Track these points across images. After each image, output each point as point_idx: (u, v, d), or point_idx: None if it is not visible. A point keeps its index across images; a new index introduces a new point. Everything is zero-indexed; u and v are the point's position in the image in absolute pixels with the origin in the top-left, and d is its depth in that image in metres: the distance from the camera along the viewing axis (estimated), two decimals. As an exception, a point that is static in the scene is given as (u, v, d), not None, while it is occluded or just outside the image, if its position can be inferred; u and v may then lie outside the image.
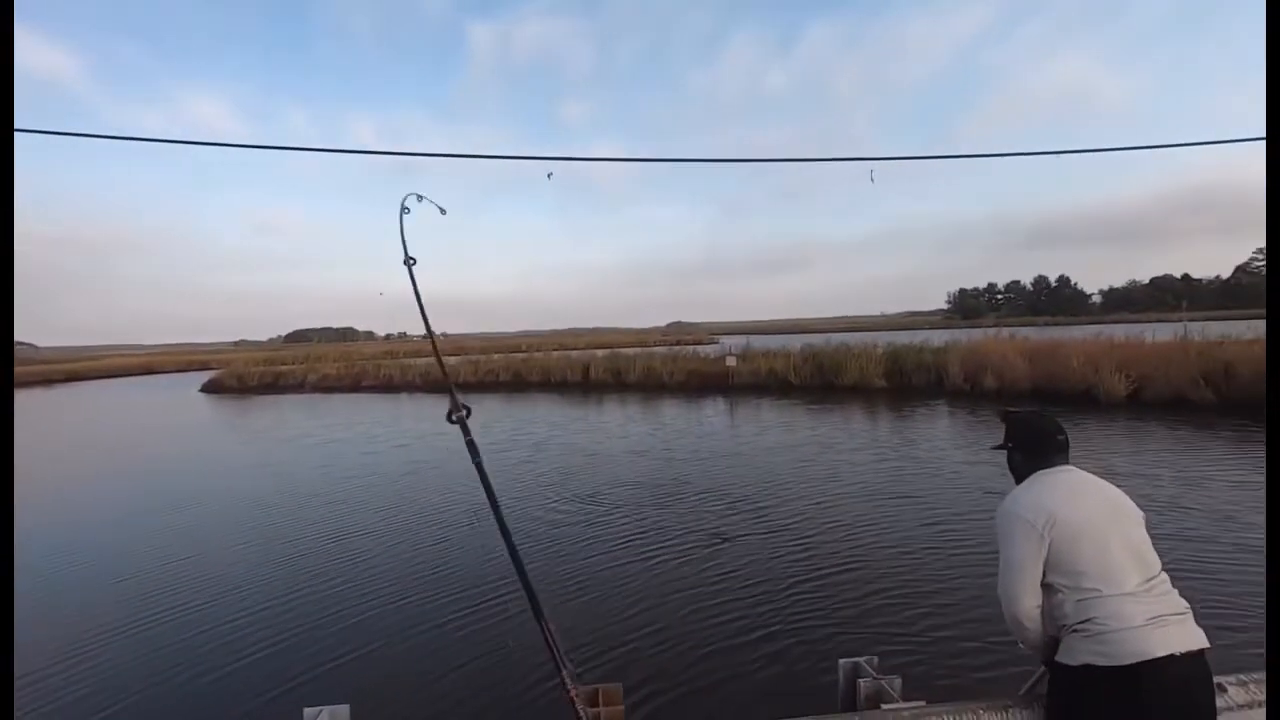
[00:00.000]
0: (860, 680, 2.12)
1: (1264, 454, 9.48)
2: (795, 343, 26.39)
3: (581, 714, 1.90)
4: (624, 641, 4.59)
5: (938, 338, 24.24)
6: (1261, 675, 2.05)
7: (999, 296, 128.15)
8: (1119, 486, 2.02)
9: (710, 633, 4.67)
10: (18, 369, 52.06)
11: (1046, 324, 63.07)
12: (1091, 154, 4.02)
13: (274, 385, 31.35)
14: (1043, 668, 2.02)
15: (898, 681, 2.10)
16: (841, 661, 2.20)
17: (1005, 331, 22.97)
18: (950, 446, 11.16)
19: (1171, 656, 1.71)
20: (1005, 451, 2.17)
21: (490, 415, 18.29)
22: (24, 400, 31.04)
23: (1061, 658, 1.86)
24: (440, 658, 4.50)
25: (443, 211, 2.51)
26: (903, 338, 25.89)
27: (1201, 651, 1.77)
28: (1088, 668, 1.77)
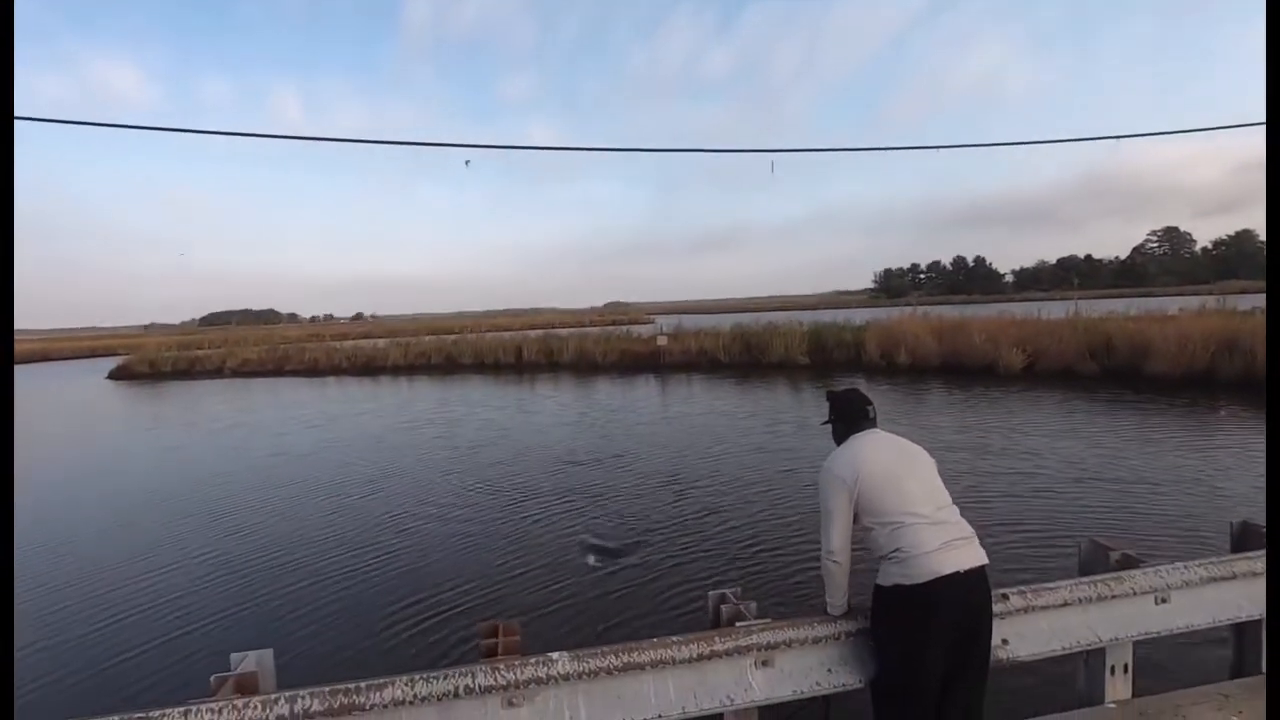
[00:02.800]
0: (723, 606, 2.50)
1: (1109, 416, 10.61)
2: (727, 322, 27.14)
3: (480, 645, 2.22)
4: (503, 582, 5.26)
5: (862, 316, 25.48)
6: (1035, 586, 2.54)
7: (921, 276, 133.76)
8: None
9: (590, 575, 5.31)
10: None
11: (963, 302, 66.47)
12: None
13: (190, 371, 29.95)
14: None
15: (753, 605, 2.49)
16: (711, 592, 2.58)
17: (919, 310, 24.29)
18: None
19: (957, 573, 2.14)
20: (831, 424, 2.57)
21: (411, 396, 18.27)
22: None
23: (879, 580, 2.27)
24: (357, 607, 4.91)
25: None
26: (830, 316, 27.02)
27: (982, 567, 2.21)
28: (896, 587, 2.19)
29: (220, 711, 1.96)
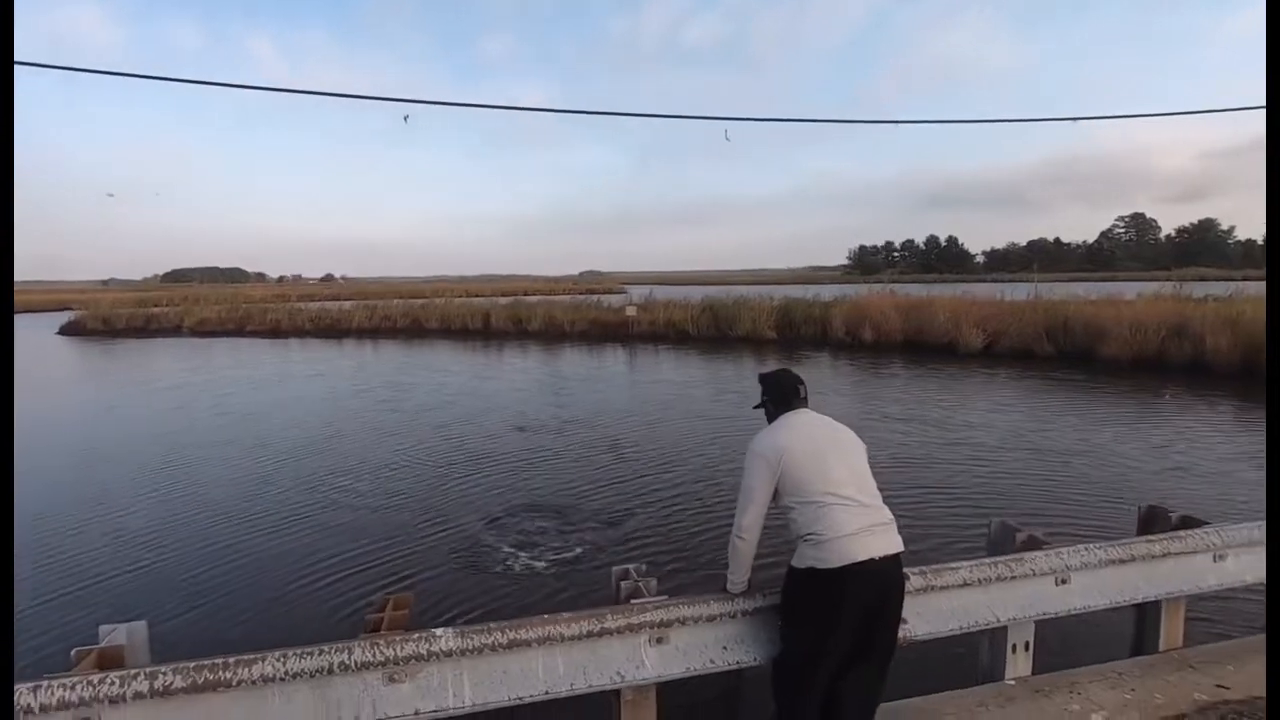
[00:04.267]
0: (623, 582, 2.46)
1: (1054, 396, 10.84)
2: (699, 295, 27.06)
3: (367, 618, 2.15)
4: (413, 548, 5.28)
5: (833, 293, 25.63)
6: (936, 567, 2.54)
7: (896, 254, 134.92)
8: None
9: (501, 544, 5.31)
10: None
11: (934, 281, 67.30)
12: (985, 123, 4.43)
13: (145, 329, 29.11)
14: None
15: (653, 583, 2.46)
16: (614, 568, 2.54)
17: (887, 288, 24.48)
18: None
19: (871, 559, 2.10)
20: (763, 405, 2.52)
21: (369, 359, 18.01)
22: None
23: (794, 562, 2.23)
24: (239, 578, 4.82)
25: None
26: (802, 292, 27.09)
27: (896, 555, 2.18)
28: (811, 570, 2.15)
29: (73, 688, 1.87)
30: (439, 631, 2.13)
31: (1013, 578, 2.57)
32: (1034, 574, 2.60)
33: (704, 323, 22.51)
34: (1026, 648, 2.81)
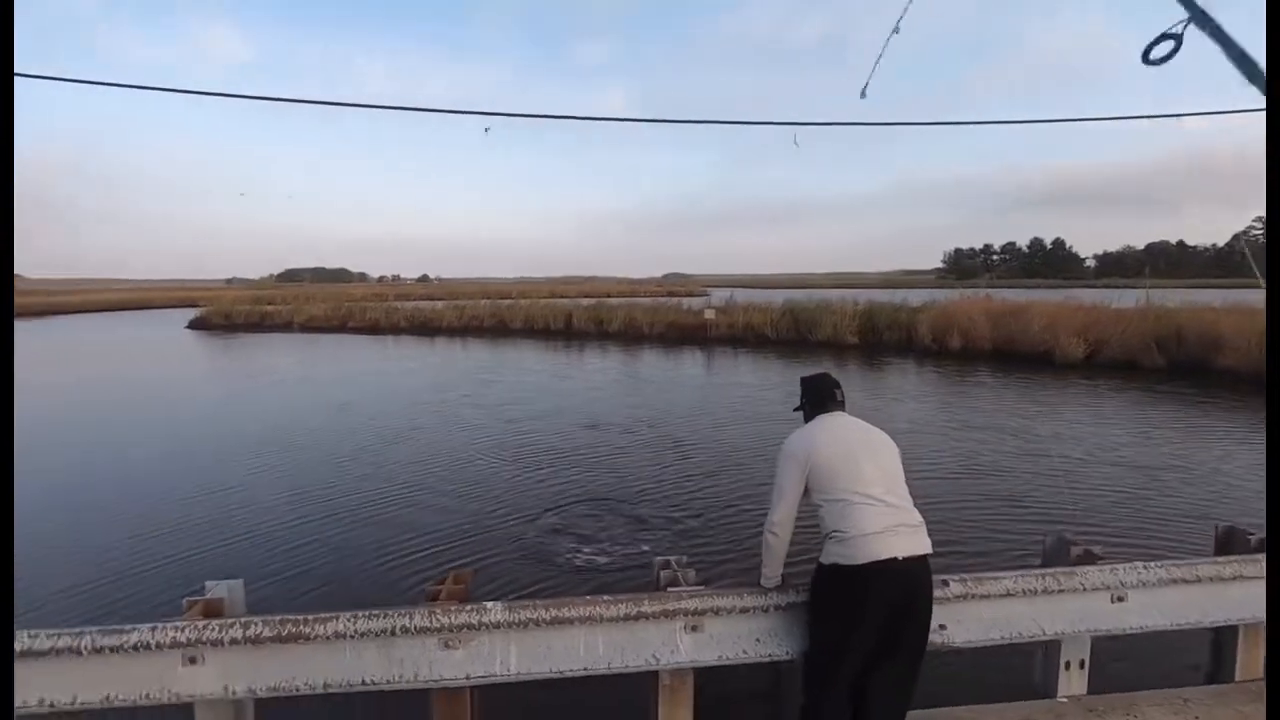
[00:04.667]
0: (663, 571, 2.59)
1: (1154, 409, 10.05)
2: (781, 297, 26.71)
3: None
4: (478, 531, 5.65)
5: (924, 297, 24.74)
6: (979, 575, 2.52)
7: (994, 257, 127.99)
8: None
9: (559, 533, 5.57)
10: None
11: (1036, 286, 63.29)
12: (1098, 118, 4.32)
13: (261, 324, 31.58)
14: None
15: (691, 573, 2.57)
16: (656, 558, 2.68)
17: (982, 293, 23.36)
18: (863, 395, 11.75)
19: (894, 559, 2.15)
20: (801, 407, 2.60)
21: (456, 356, 18.87)
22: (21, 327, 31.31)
23: (821, 558, 2.31)
24: (321, 549, 5.34)
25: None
26: (889, 296, 26.26)
27: (923, 556, 2.21)
28: (835, 566, 2.22)
29: (182, 630, 2.18)
30: (490, 605, 2.33)
31: (1061, 591, 2.52)
32: (1085, 589, 2.53)
33: (784, 326, 22.22)
34: (1082, 665, 2.73)
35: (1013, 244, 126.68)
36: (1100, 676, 2.82)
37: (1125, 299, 18.69)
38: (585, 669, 2.33)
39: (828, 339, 20.65)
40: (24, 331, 31.57)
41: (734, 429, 9.59)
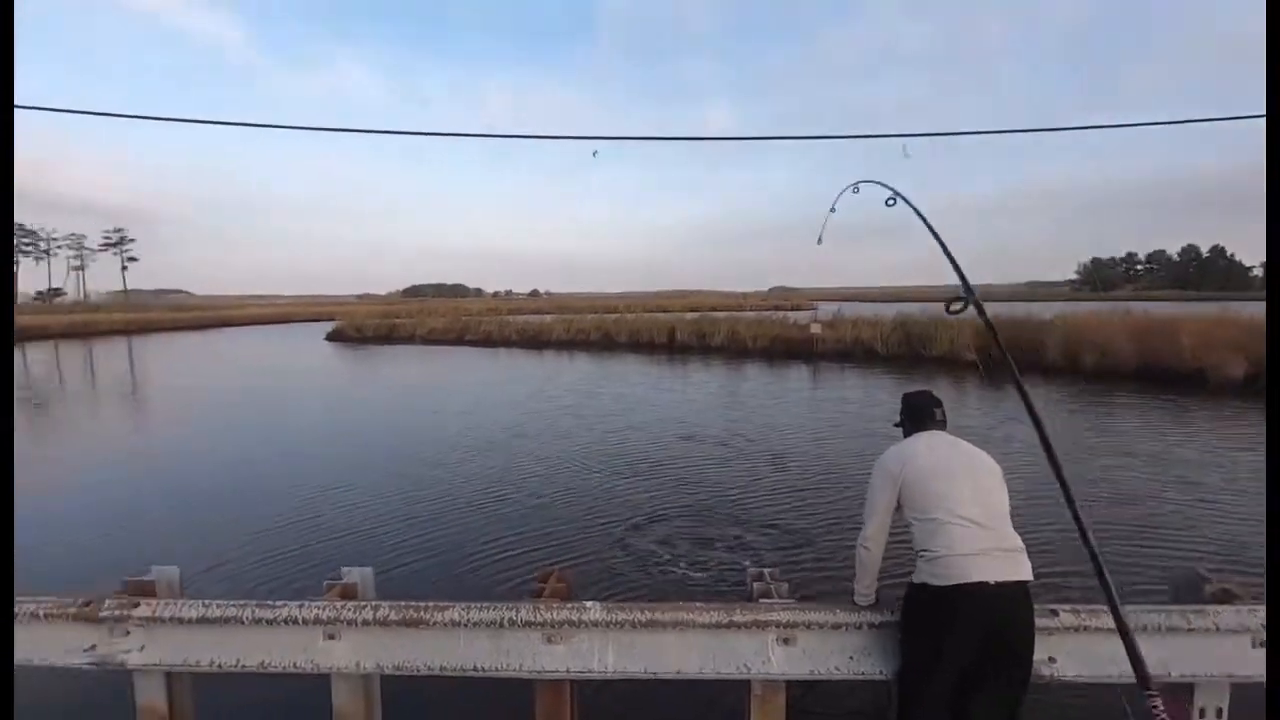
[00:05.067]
0: (756, 583, 2.63)
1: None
2: (893, 311, 25.69)
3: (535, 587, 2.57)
4: (571, 534, 5.94)
5: (1055, 310, 23.07)
6: (1094, 607, 2.38)
7: (1139, 267, 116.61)
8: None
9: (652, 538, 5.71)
10: (176, 314, 58.70)
11: (1193, 299, 57.08)
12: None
13: (388, 337, 34.09)
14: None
15: (784, 586, 2.59)
16: (750, 568, 2.72)
17: (1121, 306, 21.41)
18: (979, 415, 10.97)
19: (986, 583, 2.09)
20: (900, 423, 2.59)
21: (562, 368, 19.51)
22: (191, 341, 35.80)
23: (912, 577, 2.29)
24: (456, 538, 5.84)
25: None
26: (1010, 310, 24.61)
27: (1020, 583, 2.14)
28: (923, 585, 2.20)
29: (323, 609, 2.47)
30: (589, 604, 2.47)
31: (1190, 630, 2.33)
32: (1219, 629, 2.33)
33: (895, 341, 21.37)
34: (1219, 715, 2.51)
35: (1161, 252, 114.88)
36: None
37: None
38: (678, 672, 2.41)
39: (943, 355, 19.64)
40: (204, 341, 35.84)
41: (833, 444, 9.46)
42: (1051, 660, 2.36)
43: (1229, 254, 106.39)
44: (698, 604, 2.47)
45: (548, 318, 36.00)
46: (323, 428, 11.51)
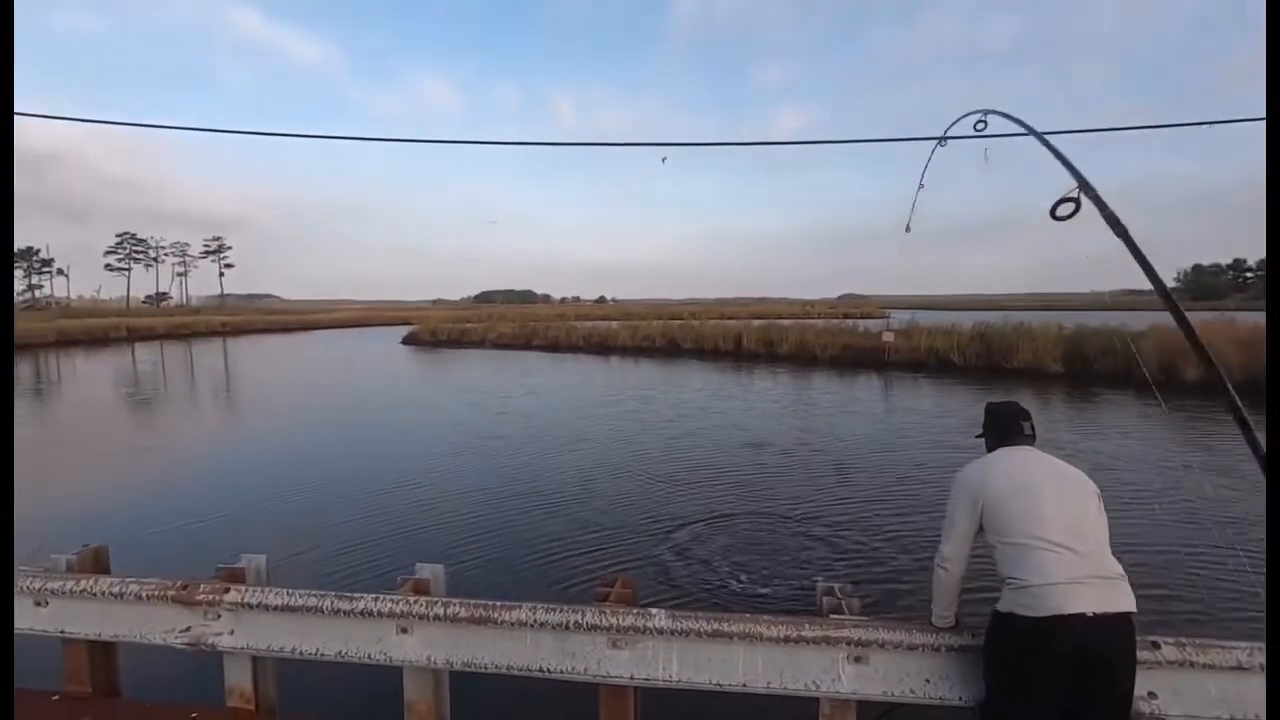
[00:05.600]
0: (826, 597, 2.54)
1: None
2: (971, 320, 24.63)
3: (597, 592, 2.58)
4: (634, 537, 6.00)
5: (1150, 320, 21.61)
6: (1200, 641, 2.19)
7: (1248, 275, 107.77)
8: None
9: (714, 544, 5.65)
10: (267, 317, 62.31)
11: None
12: None
13: (460, 341, 35.18)
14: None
15: (855, 602, 2.48)
16: (820, 584, 2.64)
17: (1227, 316, 19.84)
18: (1068, 431, 10.30)
19: (1082, 615, 1.93)
20: (984, 435, 2.44)
21: (627, 375, 19.59)
22: (280, 342, 38.06)
23: (998, 605, 2.14)
24: (524, 539, 5.96)
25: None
26: (1101, 319, 23.23)
27: (1122, 614, 1.97)
28: (1011, 615, 2.05)
29: (397, 603, 2.55)
30: (654, 611, 2.45)
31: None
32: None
33: (973, 351, 20.45)
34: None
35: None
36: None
37: None
38: (744, 685, 2.36)
39: (1025, 366, 18.68)
40: (291, 343, 37.99)
41: (901, 454, 9.27)
42: (1152, 696, 2.18)
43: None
44: (765, 616, 2.41)
45: (614, 324, 36.32)
46: (398, 427, 11.99)
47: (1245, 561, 5.26)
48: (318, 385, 19.12)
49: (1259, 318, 20.89)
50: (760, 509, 6.76)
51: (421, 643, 2.55)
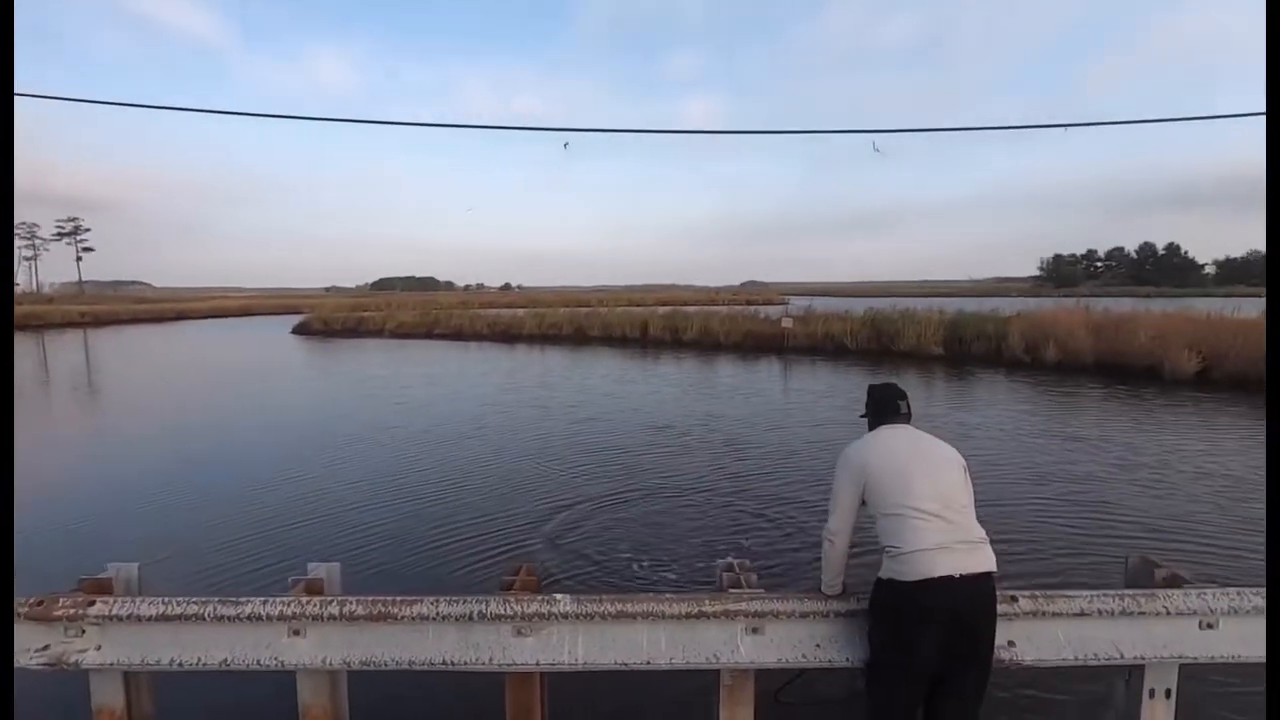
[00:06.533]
0: (726, 574, 2.65)
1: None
2: (863, 306, 26.03)
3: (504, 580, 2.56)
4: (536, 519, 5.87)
5: (1018, 306, 23.67)
6: (1051, 592, 2.46)
7: (1099, 264, 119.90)
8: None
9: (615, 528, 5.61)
10: (135, 306, 56.96)
11: (1149, 295, 58.79)
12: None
13: (356, 330, 33.52)
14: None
15: (753, 576, 2.62)
16: (719, 561, 2.75)
17: (1082, 302, 22.01)
18: (946, 407, 11.24)
19: (950, 577, 2.13)
20: (866, 415, 2.61)
21: (531, 362, 19.43)
22: (149, 333, 34.74)
23: (879, 573, 2.32)
24: (423, 532, 5.78)
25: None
26: (978, 305, 25.18)
27: (985, 574, 2.18)
28: (890, 581, 2.23)
29: (288, 605, 2.43)
30: (559, 596, 2.47)
31: (1142, 614, 2.41)
32: (1169, 613, 2.42)
33: (864, 336, 21.64)
34: (1168, 695, 2.60)
35: (1120, 249, 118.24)
36: (1189, 709, 2.68)
37: (1248, 309, 17.16)
38: (648, 662, 2.42)
39: (910, 349, 19.96)
40: (164, 334, 34.81)
41: (793, 432, 9.85)
42: (1011, 644, 2.43)
43: (1183, 251, 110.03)
44: (668, 595, 2.48)
45: (520, 312, 35.75)
46: (282, 420, 11.32)
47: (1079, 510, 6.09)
48: (190, 379, 17.69)
49: (1108, 303, 23.36)
50: (658, 487, 7.02)
51: (316, 644, 2.45)
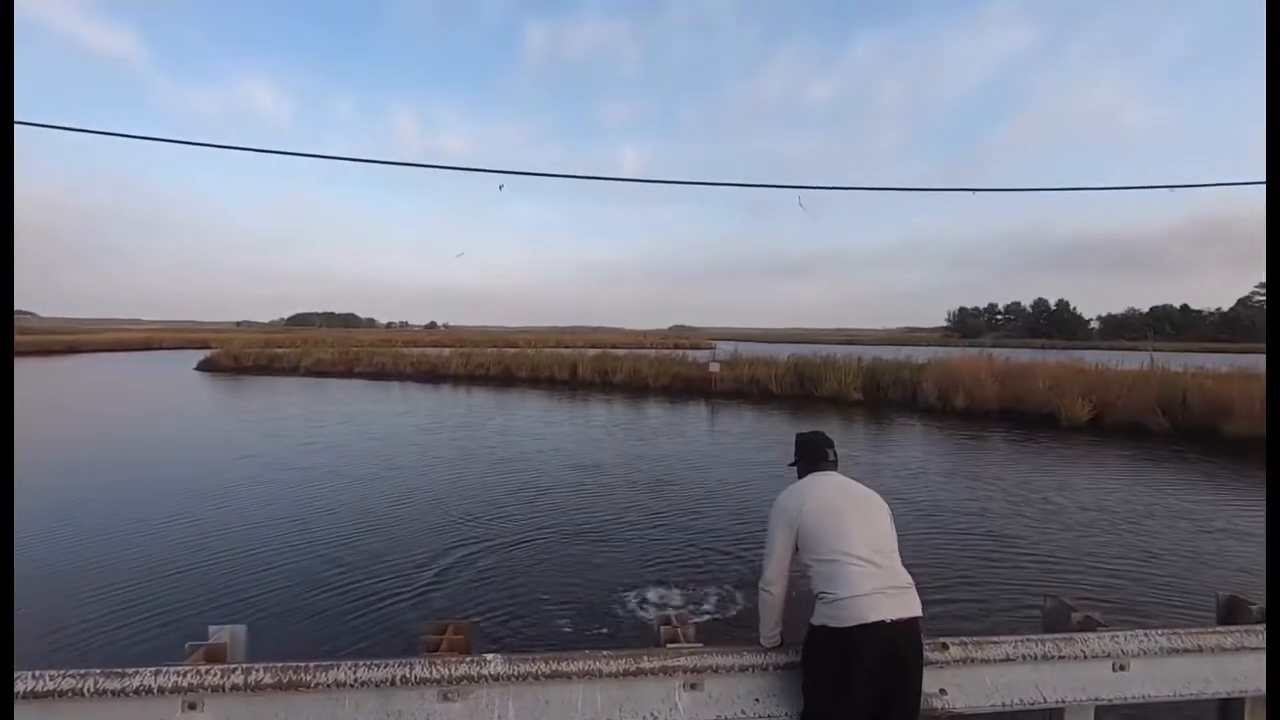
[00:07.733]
0: (663, 627, 2.59)
1: (1155, 473, 9.97)
2: (786, 352, 26.84)
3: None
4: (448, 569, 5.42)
5: (928, 355, 24.95)
6: (979, 639, 2.52)
7: (999, 317, 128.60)
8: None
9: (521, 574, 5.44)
10: (19, 337, 52.25)
11: (1041, 347, 63.43)
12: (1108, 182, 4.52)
13: (268, 367, 31.83)
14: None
15: (691, 630, 2.57)
16: (657, 614, 2.68)
17: (985, 352, 23.45)
18: (867, 451, 11.69)
19: (882, 622, 2.16)
20: (795, 463, 2.65)
21: (455, 402, 18.93)
22: (32, 366, 31.69)
23: (811, 619, 2.32)
24: (327, 591, 5.38)
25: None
26: (893, 353, 26.42)
27: (913, 619, 2.22)
28: (824, 628, 2.24)
29: (184, 675, 2.19)
30: (489, 657, 2.33)
31: (1061, 658, 2.50)
32: (1086, 656, 2.52)
33: (788, 381, 22.27)
34: (1086, 736, 2.69)
35: (1017, 304, 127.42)
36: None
37: (1129, 362, 18.72)
38: (583, 725, 2.31)
39: (832, 394, 20.68)
40: (45, 368, 31.85)
41: (713, 473, 10.04)
42: (942, 692, 2.45)
43: (1071, 307, 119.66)
44: (604, 652, 2.39)
45: (446, 351, 34.89)
46: (174, 467, 10.39)
47: (983, 543, 6.43)
48: (70, 419, 16.21)
49: (1008, 353, 24.99)
50: (580, 528, 6.98)
51: (216, 718, 2.21)
